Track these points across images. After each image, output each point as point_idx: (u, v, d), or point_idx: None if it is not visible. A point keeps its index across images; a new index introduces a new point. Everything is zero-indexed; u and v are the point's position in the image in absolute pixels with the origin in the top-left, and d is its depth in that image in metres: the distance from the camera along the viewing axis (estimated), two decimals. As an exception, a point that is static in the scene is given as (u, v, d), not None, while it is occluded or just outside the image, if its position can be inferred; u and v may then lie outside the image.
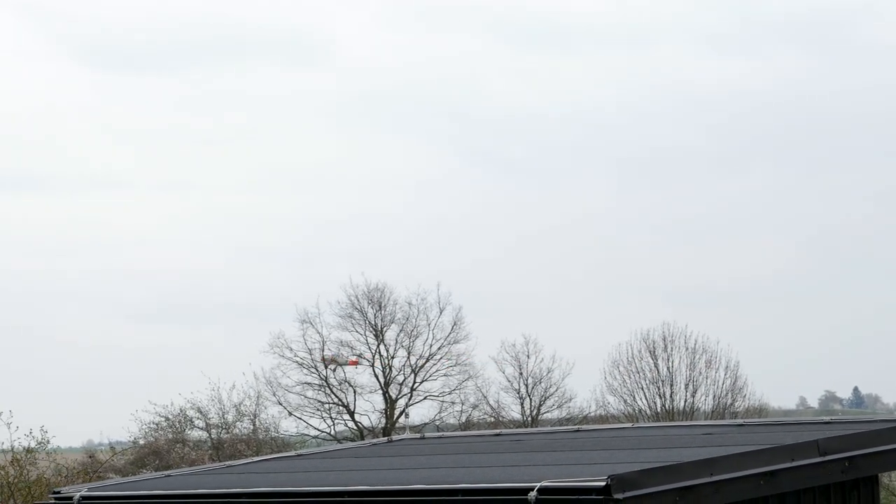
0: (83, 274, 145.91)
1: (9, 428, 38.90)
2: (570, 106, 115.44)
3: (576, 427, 17.58)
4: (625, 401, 71.67)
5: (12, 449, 39.59)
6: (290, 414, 76.68)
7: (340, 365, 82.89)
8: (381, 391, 77.69)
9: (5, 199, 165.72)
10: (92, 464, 45.27)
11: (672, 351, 71.32)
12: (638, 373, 71.40)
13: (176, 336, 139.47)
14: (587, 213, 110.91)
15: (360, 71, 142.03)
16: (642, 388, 71.57)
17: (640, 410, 70.66)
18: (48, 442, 39.71)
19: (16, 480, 37.45)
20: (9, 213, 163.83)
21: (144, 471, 64.40)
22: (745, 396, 70.43)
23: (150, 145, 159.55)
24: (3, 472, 37.85)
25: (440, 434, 18.59)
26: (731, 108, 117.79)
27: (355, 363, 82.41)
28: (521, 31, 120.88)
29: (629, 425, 18.63)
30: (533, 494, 9.36)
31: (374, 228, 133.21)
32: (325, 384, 76.98)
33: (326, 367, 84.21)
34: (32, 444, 38.63)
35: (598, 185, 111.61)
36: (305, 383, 77.01)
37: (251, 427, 76.47)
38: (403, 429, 74.28)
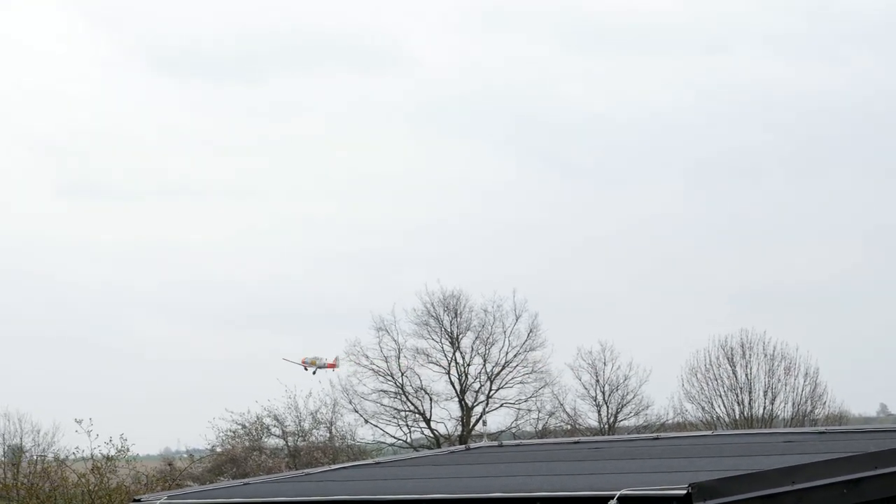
0: (162, 284, 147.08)
1: (89, 436, 39.33)
2: (636, 109, 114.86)
3: (654, 435, 17.45)
4: (703, 408, 71.10)
5: (92, 457, 40.02)
6: (367, 422, 76.90)
7: (319, 367, 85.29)
8: (456, 399, 77.66)
9: (84, 210, 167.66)
10: (170, 472, 45.64)
11: (750, 357, 70.68)
12: (716, 380, 70.81)
13: (254, 344, 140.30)
14: (653, 216, 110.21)
15: (428, 76, 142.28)
16: (720, 396, 70.96)
17: (718, 418, 70.10)
18: (128, 450, 40.06)
19: (96, 489, 37.83)
20: (87, 223, 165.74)
21: (222, 478, 64.75)
22: (824, 403, 69.66)
23: (228, 154, 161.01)
24: (83, 481, 38.27)
25: (518, 442, 18.44)
26: (799, 108, 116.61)
27: (333, 366, 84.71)
28: (586, 33, 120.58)
29: (708, 433, 18.47)
30: (613, 503, 9.30)
31: (449, 235, 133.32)
32: (401, 392, 77.04)
33: (307, 369, 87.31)
34: (112, 452, 38.99)
35: (664, 188, 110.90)
36: (381, 391, 77.18)
37: (327, 435, 76.77)
38: (481, 436, 74.24)
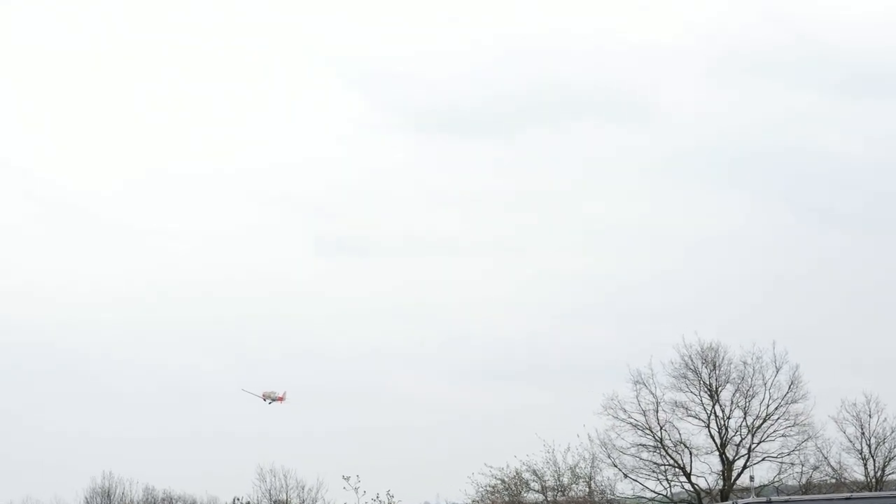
0: (412, 337, 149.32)
1: (356, 492, 40.26)
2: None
3: (930, 491, 17.03)
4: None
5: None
6: (626, 476, 76.43)
7: (273, 400, 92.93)
8: (717, 452, 76.56)
9: (341, 267, 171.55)
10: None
11: None
12: None
13: (507, 398, 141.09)
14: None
15: (679, 128, 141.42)
16: None
17: None
18: (394, 505, 40.85)
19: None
20: (345, 280, 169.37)
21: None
22: None
23: (474, 208, 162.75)
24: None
25: (787, 498, 18.26)
26: None
27: (282, 399, 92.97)
28: (849, 80, 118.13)
29: None
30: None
31: (705, 287, 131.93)
32: (660, 445, 76.34)
33: (265, 401, 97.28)
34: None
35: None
36: (640, 445, 76.60)
37: (587, 489, 76.51)
38: (743, 491, 72.97)
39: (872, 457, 75.48)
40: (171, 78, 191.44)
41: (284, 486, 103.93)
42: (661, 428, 76.38)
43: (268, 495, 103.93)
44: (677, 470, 76.36)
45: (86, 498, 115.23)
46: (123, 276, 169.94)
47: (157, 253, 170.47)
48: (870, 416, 75.68)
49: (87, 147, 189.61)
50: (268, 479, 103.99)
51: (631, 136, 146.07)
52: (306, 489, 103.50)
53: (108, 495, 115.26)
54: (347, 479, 56.11)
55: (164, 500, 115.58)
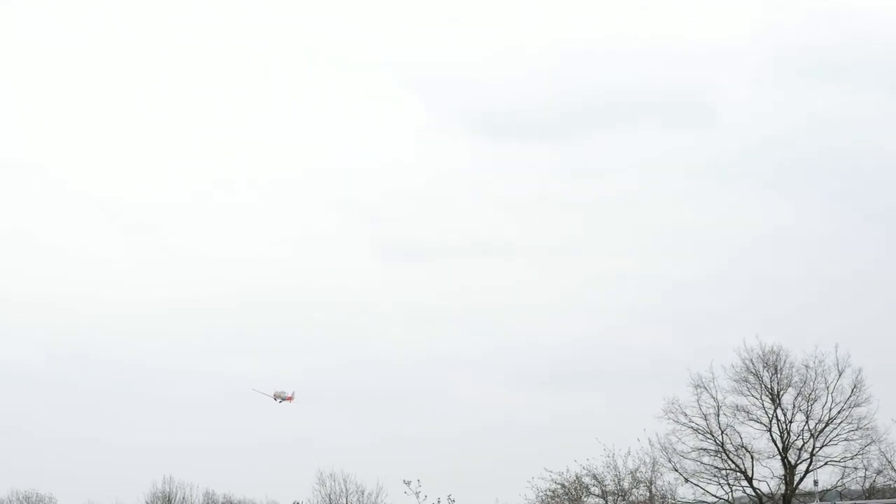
0: (469, 341, 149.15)
1: (417, 497, 40.19)
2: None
3: None
4: None
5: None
6: (687, 480, 76.14)
7: (282, 400, 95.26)
8: (779, 457, 76.08)
9: (398, 270, 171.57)
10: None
11: None
12: None
13: (569, 403, 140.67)
14: None
15: (741, 128, 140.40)
16: None
17: None
18: (456, 510, 40.73)
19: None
20: (402, 283, 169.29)
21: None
22: None
23: (531, 212, 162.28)
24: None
25: (850, 503, 18.06)
26: None
27: (290, 399, 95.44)
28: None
29: None
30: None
31: (766, 290, 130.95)
32: (721, 450, 75.95)
33: (276, 400, 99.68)
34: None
35: None
36: (701, 449, 76.28)
37: (647, 494, 76.16)
38: (806, 495, 72.43)
39: (937, 461, 74.72)
40: (229, 87, 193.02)
41: (344, 490, 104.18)
42: (722, 432, 76.06)
43: (327, 500, 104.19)
44: (739, 474, 75.99)
45: (147, 502, 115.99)
46: (185, 287, 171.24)
47: (221, 264, 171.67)
48: (934, 419, 74.97)
49: (150, 158, 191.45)
50: (327, 484, 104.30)
51: (683, 138, 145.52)
52: (366, 493, 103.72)
53: (169, 499, 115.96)
54: (408, 483, 56.05)
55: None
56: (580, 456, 76.34)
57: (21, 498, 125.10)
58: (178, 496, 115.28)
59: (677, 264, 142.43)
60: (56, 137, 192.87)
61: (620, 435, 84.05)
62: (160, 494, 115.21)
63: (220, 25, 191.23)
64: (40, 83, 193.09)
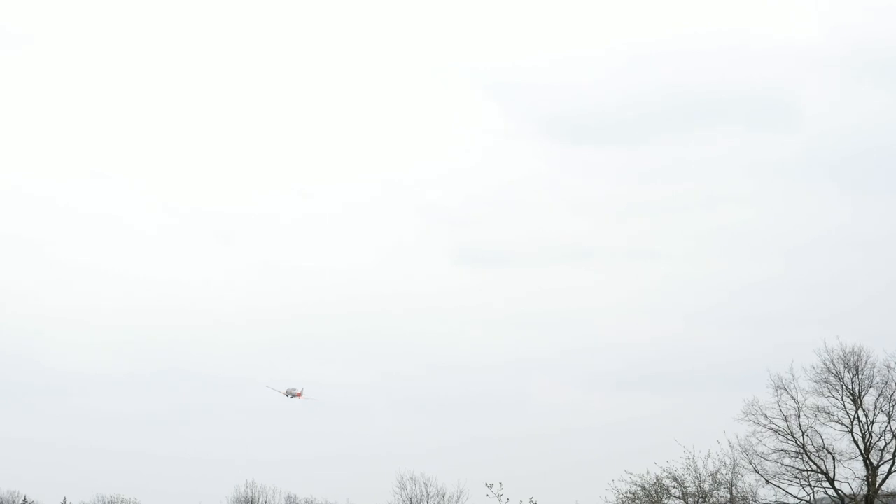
0: (546, 345, 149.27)
1: (499, 500, 40.58)
2: None
3: None
4: None
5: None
6: (768, 482, 75.93)
7: (293, 396, 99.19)
8: (860, 457, 75.68)
9: (478, 276, 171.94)
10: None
11: None
12: None
13: (644, 405, 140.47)
14: None
15: (826, 133, 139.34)
16: None
17: None
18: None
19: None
20: (482, 289, 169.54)
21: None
22: None
23: (608, 215, 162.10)
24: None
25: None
26: None
27: (300, 395, 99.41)
28: None
29: None
30: None
31: (845, 290, 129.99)
32: (802, 451, 75.70)
33: (287, 396, 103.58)
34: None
35: None
36: (782, 450, 76.03)
37: (727, 496, 76.04)
38: (889, 496, 72.04)
39: None
40: (313, 101, 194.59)
41: (425, 493, 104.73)
42: (803, 433, 75.82)
43: (408, 503, 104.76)
44: (820, 475, 75.68)
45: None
46: (266, 295, 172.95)
47: (301, 273, 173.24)
48: None
49: (239, 169, 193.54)
50: (408, 487, 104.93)
51: (758, 137, 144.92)
52: (446, 497, 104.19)
53: (252, 502, 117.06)
54: (490, 486, 56.39)
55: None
56: (657, 457, 76.47)
57: (106, 502, 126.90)
58: (260, 500, 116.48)
59: (744, 264, 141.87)
60: (143, 150, 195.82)
61: (702, 437, 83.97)
62: (243, 499, 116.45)
63: (304, 39, 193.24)
64: (132, 98, 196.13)
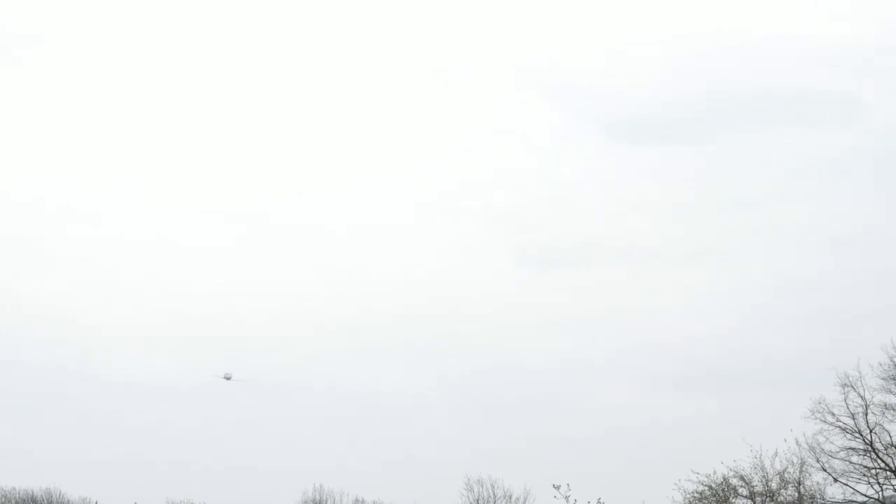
0: (606, 344, 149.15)
1: (566, 501, 40.89)
2: None
3: None
4: None
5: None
6: (836, 480, 75.61)
7: (227, 379, 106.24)
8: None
9: (541, 278, 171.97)
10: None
11: None
12: None
13: (704, 403, 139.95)
14: None
15: (884, 129, 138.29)
16: None
17: None
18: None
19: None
20: (545, 291, 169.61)
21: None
22: None
23: (665, 214, 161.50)
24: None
25: None
26: None
27: (230, 378, 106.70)
28: None
29: None
30: None
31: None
32: (870, 449, 75.33)
33: (226, 378, 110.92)
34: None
35: None
36: (850, 448, 75.70)
37: (795, 495, 75.84)
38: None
39: None
40: (372, 109, 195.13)
41: (492, 495, 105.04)
42: (871, 431, 75.45)
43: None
44: (889, 473, 75.31)
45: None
46: (334, 300, 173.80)
47: (365, 279, 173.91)
48: None
49: (307, 179, 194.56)
50: (475, 489, 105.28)
51: (818, 137, 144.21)
52: (513, 498, 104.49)
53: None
54: (558, 487, 56.65)
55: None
56: (722, 456, 76.45)
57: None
58: (328, 503, 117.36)
59: (826, 265, 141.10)
60: (151, 149, 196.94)
61: (768, 436, 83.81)
62: (311, 502, 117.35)
63: (362, 47, 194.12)
64: (140, 99, 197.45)
